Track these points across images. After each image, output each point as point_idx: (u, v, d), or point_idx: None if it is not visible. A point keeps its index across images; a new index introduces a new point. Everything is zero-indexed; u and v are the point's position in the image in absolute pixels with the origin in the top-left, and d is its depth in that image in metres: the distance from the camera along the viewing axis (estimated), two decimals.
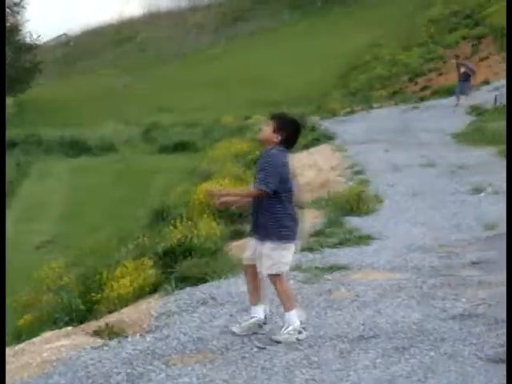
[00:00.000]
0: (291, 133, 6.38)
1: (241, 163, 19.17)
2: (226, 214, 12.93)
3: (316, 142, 24.85)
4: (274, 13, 79.21)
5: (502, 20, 55.42)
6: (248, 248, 6.43)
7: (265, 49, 64.96)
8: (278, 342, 6.10)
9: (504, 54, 48.56)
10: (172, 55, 70.71)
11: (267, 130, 6.33)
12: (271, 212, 6.14)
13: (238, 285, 7.93)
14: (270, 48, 64.83)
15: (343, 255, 9.46)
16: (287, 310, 6.23)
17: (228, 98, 49.82)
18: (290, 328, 6.17)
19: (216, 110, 43.43)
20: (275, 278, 6.19)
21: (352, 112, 36.40)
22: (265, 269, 6.16)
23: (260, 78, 54.05)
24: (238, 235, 11.60)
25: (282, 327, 6.23)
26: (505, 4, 56.55)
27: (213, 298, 7.49)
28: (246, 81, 54.33)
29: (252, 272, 6.36)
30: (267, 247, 6.13)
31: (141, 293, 8.32)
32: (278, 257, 6.12)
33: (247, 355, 5.90)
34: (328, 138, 25.82)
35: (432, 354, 5.79)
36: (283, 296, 6.24)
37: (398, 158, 19.51)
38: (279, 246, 6.13)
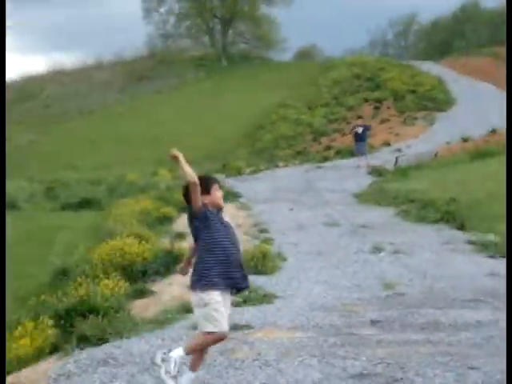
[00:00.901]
0: None
1: (145, 222, 19.07)
2: (130, 271, 12.83)
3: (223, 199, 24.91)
4: (178, 72, 79.73)
5: (399, 85, 57.27)
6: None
7: (169, 107, 65.15)
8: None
9: (404, 116, 49.99)
10: (77, 112, 70.23)
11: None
12: None
13: (139, 344, 7.87)
14: (175, 106, 65.08)
15: (246, 313, 9.48)
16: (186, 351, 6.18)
17: (133, 155, 49.66)
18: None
19: (121, 166, 43.20)
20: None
21: (257, 171, 36.76)
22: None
23: (164, 135, 54.07)
24: (142, 294, 11.52)
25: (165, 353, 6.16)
26: (398, 71, 58.51)
27: (113, 358, 7.40)
28: (151, 138, 54.33)
29: None
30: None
31: (40, 353, 8.16)
32: None
33: None
34: (233, 196, 25.96)
35: None
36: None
37: (302, 217, 19.77)
38: None
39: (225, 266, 6.20)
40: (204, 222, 6.19)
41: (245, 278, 6.36)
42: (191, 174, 6.07)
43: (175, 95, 70.43)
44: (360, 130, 33.63)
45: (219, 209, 6.36)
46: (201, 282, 6.15)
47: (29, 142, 58.71)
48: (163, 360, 6.12)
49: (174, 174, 34.24)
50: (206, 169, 35.29)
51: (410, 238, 15.59)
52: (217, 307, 6.14)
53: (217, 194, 6.37)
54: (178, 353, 6.16)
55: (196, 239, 6.28)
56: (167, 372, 6.13)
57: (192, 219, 6.22)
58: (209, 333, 6.18)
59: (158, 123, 59.32)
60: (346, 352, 7.56)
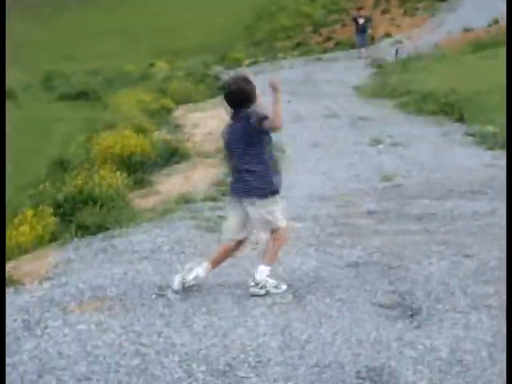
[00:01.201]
0: None
1: (144, 112, 19.01)
2: (128, 163, 12.85)
3: (219, 91, 24.77)
4: None
5: None
6: None
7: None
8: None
9: (405, 7, 49.20)
10: (75, 1, 69.07)
11: None
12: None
13: (138, 233, 7.95)
14: None
15: None
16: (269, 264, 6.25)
17: (131, 46, 49.11)
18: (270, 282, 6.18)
19: (119, 58, 42.78)
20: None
21: (256, 62, 36.40)
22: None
23: (164, 26, 53.36)
24: (141, 185, 11.57)
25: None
26: None
27: (112, 246, 7.49)
28: (150, 29, 53.59)
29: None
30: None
31: (40, 241, 8.24)
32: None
33: (146, 302, 5.95)
34: None
35: (327, 300, 5.94)
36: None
37: (301, 109, 19.67)
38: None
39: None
40: (268, 135, 6.21)
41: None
42: (280, 118, 6.04)
43: None
44: (361, 20, 33.09)
45: None
46: (270, 187, 6.20)
47: (25, 30, 57.88)
48: (262, 287, 6.13)
49: (172, 65, 33.95)
50: (204, 60, 34.98)
51: (409, 130, 15.53)
52: (279, 207, 6.33)
53: (260, 99, 6.34)
54: (264, 272, 6.18)
55: (252, 146, 6.18)
56: (275, 287, 6.20)
57: (254, 129, 6.11)
58: (279, 229, 6.29)
59: (156, 14, 58.43)
60: (342, 241, 7.65)
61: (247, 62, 37.07)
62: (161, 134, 15.67)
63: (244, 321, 5.56)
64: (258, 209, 6.17)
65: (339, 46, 39.87)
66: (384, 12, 48.34)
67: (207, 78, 27.70)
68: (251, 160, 6.16)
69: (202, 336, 5.30)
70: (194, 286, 6.22)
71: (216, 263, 6.37)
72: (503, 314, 5.46)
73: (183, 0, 62.05)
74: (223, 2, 59.36)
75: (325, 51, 38.60)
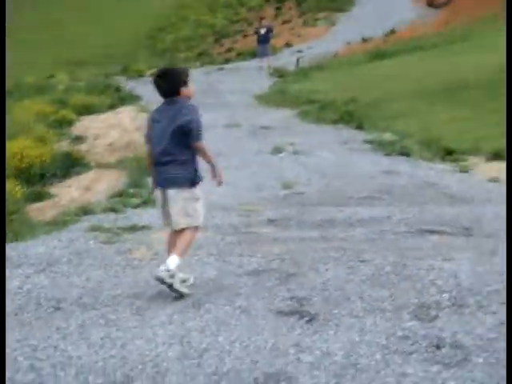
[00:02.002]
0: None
1: (44, 123, 18.74)
2: (27, 174, 12.67)
3: (121, 102, 24.65)
4: None
5: None
6: None
7: (68, 7, 63.35)
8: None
9: (306, 17, 49.88)
10: None
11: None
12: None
13: (35, 246, 7.83)
14: (74, 6, 63.30)
15: (145, 215, 9.49)
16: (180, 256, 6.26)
17: (31, 57, 48.34)
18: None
19: (18, 69, 42.07)
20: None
21: None
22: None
23: (64, 37, 52.77)
24: (39, 197, 11.40)
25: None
26: None
27: (8, 260, 7.35)
28: (50, 40, 52.90)
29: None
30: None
31: None
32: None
33: (42, 315, 5.86)
34: (134, 98, 25.67)
35: (226, 308, 5.97)
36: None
37: (204, 119, 19.62)
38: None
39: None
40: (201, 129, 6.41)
41: None
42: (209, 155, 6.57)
43: None
44: (263, 30, 33.37)
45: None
46: (194, 179, 6.41)
47: None
48: (171, 276, 6.11)
49: (73, 76, 33.57)
50: (105, 71, 34.71)
51: (310, 139, 15.75)
52: (201, 202, 6.52)
53: (192, 86, 6.50)
54: (174, 262, 6.18)
55: (181, 140, 6.32)
56: (182, 282, 6.26)
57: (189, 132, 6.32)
58: (195, 227, 6.43)
59: (57, 25, 57.73)
60: (242, 250, 7.69)
61: (149, 72, 36.91)
62: (61, 146, 15.48)
63: (142, 331, 5.54)
64: (181, 199, 6.31)
65: (241, 56, 40.19)
66: (285, 22, 48.95)
67: (108, 89, 27.48)
68: (179, 151, 6.33)
69: (99, 348, 5.25)
70: (92, 297, 6.18)
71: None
72: (397, 316, 5.59)
73: (84, 11, 61.48)
74: (124, 13, 59.04)
75: (227, 61, 38.81)
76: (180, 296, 6.18)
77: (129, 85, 29.53)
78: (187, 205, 6.36)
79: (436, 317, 5.55)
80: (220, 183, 6.66)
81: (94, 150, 15.81)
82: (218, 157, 13.94)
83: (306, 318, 5.67)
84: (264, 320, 5.68)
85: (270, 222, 9.06)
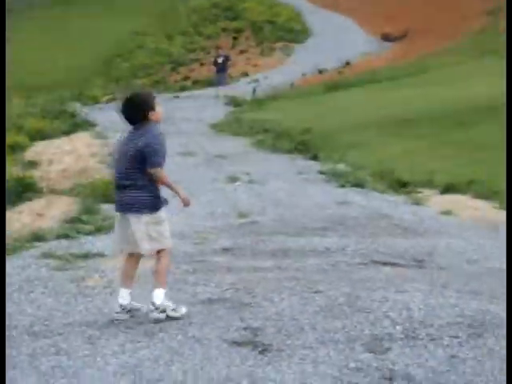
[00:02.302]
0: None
1: None
2: None
3: (76, 128, 24.49)
4: None
5: (257, 15, 57.26)
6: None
7: (19, 33, 62.89)
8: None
9: (262, 47, 50.19)
10: None
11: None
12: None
13: None
14: (25, 32, 62.86)
15: (99, 242, 9.43)
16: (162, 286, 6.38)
17: None
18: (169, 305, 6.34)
19: None
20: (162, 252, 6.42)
21: (114, 99, 36.15)
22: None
23: (18, 61, 52.33)
24: None
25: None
26: (257, 1, 58.41)
27: None
28: (10, 63, 52.42)
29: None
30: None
31: None
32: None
33: None
34: (89, 124, 25.54)
35: (180, 337, 5.93)
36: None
37: None
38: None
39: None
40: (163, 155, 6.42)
41: None
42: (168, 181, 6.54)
43: (23, 21, 67.77)
44: (220, 59, 33.50)
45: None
46: (155, 203, 6.39)
47: None
48: (162, 311, 6.30)
49: (27, 101, 33.30)
50: (59, 96, 34.50)
51: (265, 168, 15.80)
52: (166, 225, 6.49)
53: (159, 109, 6.49)
54: (160, 295, 6.32)
55: (140, 165, 6.31)
56: (172, 311, 6.35)
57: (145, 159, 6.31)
58: (164, 250, 6.46)
59: (10, 49, 57.29)
60: (196, 278, 7.67)
61: (105, 98, 36.82)
62: (14, 171, 15.32)
63: (94, 360, 5.48)
64: (142, 223, 6.30)
65: (197, 84, 40.22)
66: (242, 52, 49.12)
67: (63, 115, 27.32)
68: (138, 175, 6.31)
69: (49, 377, 5.18)
70: (43, 325, 6.11)
71: (129, 280, 6.47)
72: (350, 348, 5.60)
73: (38, 35, 61.13)
74: (81, 38, 58.80)
75: (183, 89, 38.83)
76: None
77: (83, 111, 29.37)
78: (149, 229, 6.35)
79: (389, 349, 5.57)
80: (186, 205, 6.70)
81: (48, 175, 15.67)
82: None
83: (260, 349, 5.65)
84: (217, 350, 5.65)
85: (225, 250, 9.05)
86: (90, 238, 9.78)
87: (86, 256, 8.70)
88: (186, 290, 7.28)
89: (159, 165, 6.37)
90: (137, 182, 6.32)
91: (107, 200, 12.14)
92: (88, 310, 6.63)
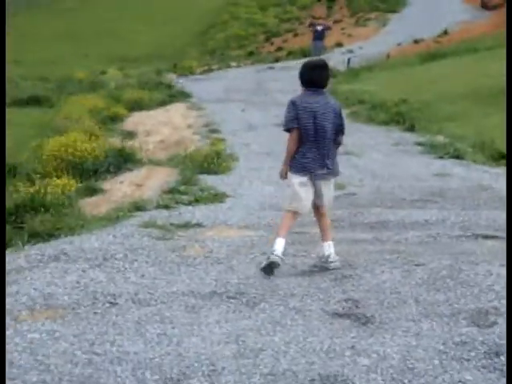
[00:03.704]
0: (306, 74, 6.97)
1: (96, 119, 18.91)
2: (80, 169, 12.79)
3: (172, 99, 24.76)
4: None
5: None
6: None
7: (120, 4, 63.78)
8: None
9: (357, 17, 49.64)
10: (23, 6, 68.43)
11: None
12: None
13: (91, 241, 7.89)
14: (126, 3, 63.72)
15: (198, 212, 9.51)
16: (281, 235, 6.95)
17: (80, 52, 48.76)
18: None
19: (69, 63, 42.48)
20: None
21: (209, 70, 36.39)
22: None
23: (115, 33, 53.14)
24: (92, 192, 11.49)
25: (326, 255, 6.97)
26: None
27: (65, 254, 7.40)
28: (101, 35, 53.29)
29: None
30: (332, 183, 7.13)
31: None
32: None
33: (99, 311, 5.89)
34: (184, 95, 25.79)
35: (281, 308, 5.96)
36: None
37: (254, 118, 19.75)
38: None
39: None
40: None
41: None
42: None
43: None
44: (320, 28, 33.28)
45: None
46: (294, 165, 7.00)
47: None
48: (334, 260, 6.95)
49: (123, 72, 33.84)
50: (156, 67, 34.90)
51: (360, 140, 15.67)
52: (296, 189, 6.95)
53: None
54: (280, 244, 6.89)
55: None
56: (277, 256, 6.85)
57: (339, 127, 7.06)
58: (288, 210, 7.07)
59: (107, 20, 58.15)
60: (296, 250, 7.67)
61: (200, 70, 37.06)
62: (113, 141, 15.58)
63: (198, 329, 5.55)
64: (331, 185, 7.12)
65: (291, 55, 40.11)
66: (336, 22, 48.73)
67: (160, 86, 27.64)
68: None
69: (155, 344, 5.27)
70: (147, 293, 6.23)
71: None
72: (454, 321, 5.53)
73: (134, 7, 61.86)
74: (174, 10, 59.28)
75: (277, 60, 38.76)
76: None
77: (179, 82, 29.66)
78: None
79: (494, 323, 5.48)
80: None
81: (145, 146, 15.89)
82: (269, 156, 14.03)
83: (362, 321, 5.64)
84: (319, 321, 5.66)
85: None
86: (189, 208, 9.86)
87: (185, 226, 8.78)
88: (285, 261, 7.27)
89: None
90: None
91: (205, 171, 12.27)
92: (191, 279, 6.70)
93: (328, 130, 6.85)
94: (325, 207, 7.11)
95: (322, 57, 32.75)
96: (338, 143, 7.07)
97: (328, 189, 7.09)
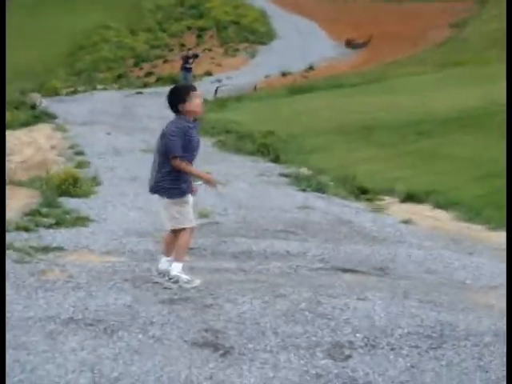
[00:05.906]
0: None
1: None
2: None
3: (36, 120, 24.29)
4: None
5: (222, 14, 57.23)
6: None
7: None
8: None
9: (226, 47, 50.16)
10: None
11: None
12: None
13: None
14: None
15: (59, 236, 9.34)
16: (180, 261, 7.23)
17: None
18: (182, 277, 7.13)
19: None
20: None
21: (75, 92, 35.93)
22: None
23: None
24: None
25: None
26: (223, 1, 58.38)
27: None
28: None
29: None
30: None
31: None
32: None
33: None
34: (49, 116, 25.35)
35: (140, 336, 5.89)
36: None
37: (120, 142, 19.61)
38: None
39: None
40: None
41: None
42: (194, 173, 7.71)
43: None
44: (190, 60, 33.44)
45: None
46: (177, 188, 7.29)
47: None
48: (176, 282, 7.14)
49: None
50: (20, 87, 34.21)
51: (227, 169, 15.78)
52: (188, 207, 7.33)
53: (196, 101, 7.18)
54: (177, 268, 7.18)
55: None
56: (186, 283, 7.13)
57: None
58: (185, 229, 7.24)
59: None
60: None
61: (66, 91, 36.54)
62: None
63: (53, 356, 5.41)
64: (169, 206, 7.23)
65: (160, 81, 40.10)
66: (206, 50, 49.09)
67: (23, 106, 27.08)
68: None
69: (8, 372, 5.11)
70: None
71: (169, 251, 7.35)
72: (311, 354, 5.61)
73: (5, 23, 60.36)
74: (43, 29, 58.26)
75: (145, 86, 38.68)
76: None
77: (44, 102, 29.12)
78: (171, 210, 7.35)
79: (349, 356, 5.59)
80: (213, 185, 7.97)
81: (7, 166, 15.50)
82: (134, 181, 13.92)
83: (221, 352, 5.64)
84: (178, 351, 5.63)
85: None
86: (50, 231, 9.66)
87: (45, 249, 8.60)
88: (147, 288, 7.22)
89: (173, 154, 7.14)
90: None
91: (68, 193, 12.06)
92: (48, 304, 6.55)
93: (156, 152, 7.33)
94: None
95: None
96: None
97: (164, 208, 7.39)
